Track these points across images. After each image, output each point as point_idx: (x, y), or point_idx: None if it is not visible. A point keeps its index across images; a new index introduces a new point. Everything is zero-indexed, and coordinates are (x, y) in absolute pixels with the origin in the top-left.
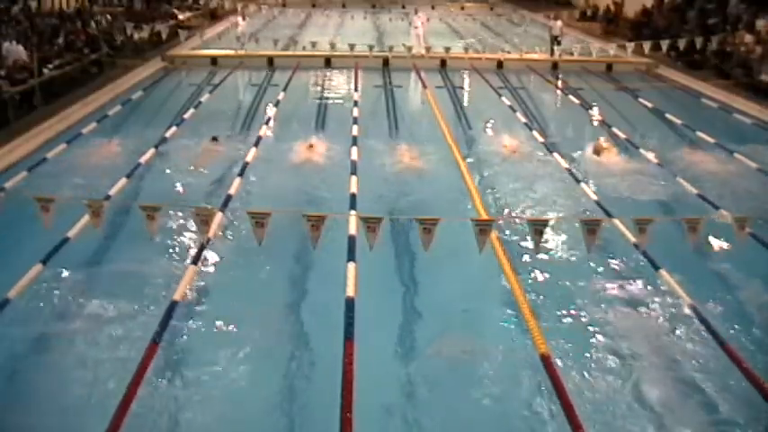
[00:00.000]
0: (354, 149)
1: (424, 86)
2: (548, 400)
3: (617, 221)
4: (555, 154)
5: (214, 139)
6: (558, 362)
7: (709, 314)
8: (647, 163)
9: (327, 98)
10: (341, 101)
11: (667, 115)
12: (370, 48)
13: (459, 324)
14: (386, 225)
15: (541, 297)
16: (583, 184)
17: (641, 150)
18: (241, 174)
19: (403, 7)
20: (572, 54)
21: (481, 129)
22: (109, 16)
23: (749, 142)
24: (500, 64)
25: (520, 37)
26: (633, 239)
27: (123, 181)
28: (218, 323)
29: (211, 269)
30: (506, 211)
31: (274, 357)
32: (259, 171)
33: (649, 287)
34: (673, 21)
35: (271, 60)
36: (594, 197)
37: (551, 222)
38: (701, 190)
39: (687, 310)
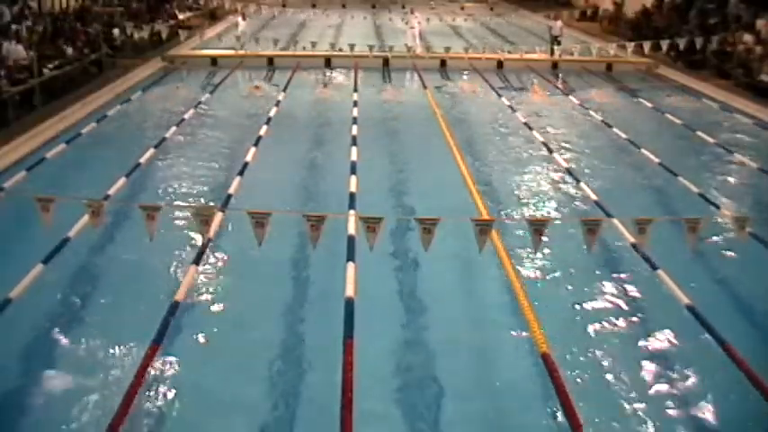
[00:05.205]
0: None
1: (425, 86)
2: (548, 400)
3: (616, 221)
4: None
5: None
6: (559, 360)
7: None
8: None
9: (327, 97)
10: (341, 99)
11: (666, 114)
12: (371, 48)
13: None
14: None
15: (542, 292)
16: None
17: None
18: (241, 173)
19: (403, 7)
20: (572, 54)
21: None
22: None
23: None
24: (500, 64)
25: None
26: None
27: (122, 180)
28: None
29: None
30: None
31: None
32: (261, 165)
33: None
34: (673, 21)
35: (271, 60)
36: None
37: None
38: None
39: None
